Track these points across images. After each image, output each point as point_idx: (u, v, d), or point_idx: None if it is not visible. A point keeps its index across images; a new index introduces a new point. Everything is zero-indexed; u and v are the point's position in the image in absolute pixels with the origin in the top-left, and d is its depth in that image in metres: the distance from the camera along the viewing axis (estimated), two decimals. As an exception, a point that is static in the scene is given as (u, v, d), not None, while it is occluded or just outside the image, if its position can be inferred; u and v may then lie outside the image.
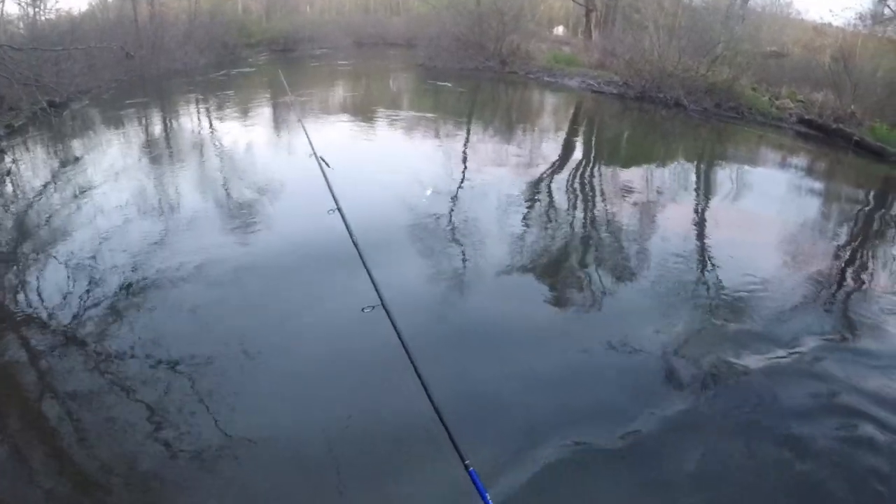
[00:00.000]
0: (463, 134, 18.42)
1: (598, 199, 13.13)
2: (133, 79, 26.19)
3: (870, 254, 11.42)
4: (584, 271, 9.28)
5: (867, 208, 14.39)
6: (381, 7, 53.01)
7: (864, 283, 9.86)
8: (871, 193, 15.94)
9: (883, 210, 14.53)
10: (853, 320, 8.23)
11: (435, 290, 8.17)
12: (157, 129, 19.27)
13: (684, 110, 23.25)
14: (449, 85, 27.40)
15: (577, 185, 13.82)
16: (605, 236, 10.82)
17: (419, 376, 4.04)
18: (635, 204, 12.59)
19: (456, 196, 12.14)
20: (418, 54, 33.96)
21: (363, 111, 21.71)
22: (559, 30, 45.72)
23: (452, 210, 11.24)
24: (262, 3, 47.88)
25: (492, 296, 8.21)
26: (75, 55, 20.80)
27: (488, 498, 3.10)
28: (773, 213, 12.77)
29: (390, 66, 36.94)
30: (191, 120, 20.39)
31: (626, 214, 11.86)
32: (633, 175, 15.13)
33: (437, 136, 18.23)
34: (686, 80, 24.09)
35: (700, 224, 11.85)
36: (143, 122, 19.97)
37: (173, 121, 20.40)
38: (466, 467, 3.26)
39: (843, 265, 10.57)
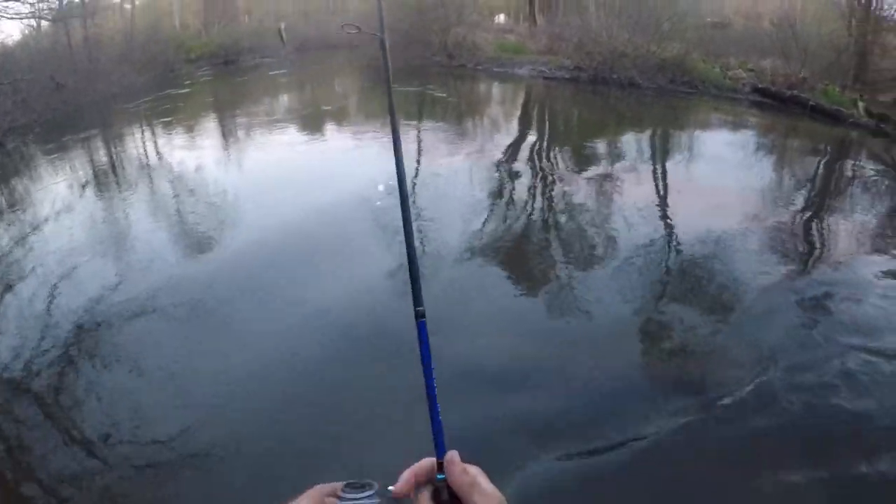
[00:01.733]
0: (414, 131, 17.83)
1: (559, 183, 13.04)
2: (69, 108, 25.14)
3: (829, 215, 11.51)
4: (549, 256, 9.23)
5: (824, 171, 14.53)
6: (319, 9, 52.10)
7: (827, 242, 10.12)
8: (829, 156, 16.07)
9: (838, 172, 14.69)
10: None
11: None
12: (96, 162, 18.38)
13: (639, 89, 22.99)
14: (396, 86, 26.79)
15: (536, 172, 13.60)
16: (566, 220, 10.77)
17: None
18: (597, 186, 12.54)
19: (413, 192, 11.65)
20: (363, 54, 33.17)
21: (311, 119, 21.07)
22: (501, 18, 45.23)
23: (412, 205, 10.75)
24: (200, 17, 46.87)
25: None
26: (4, 90, 19.90)
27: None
28: (734, 182, 12.71)
29: (335, 69, 36.30)
30: (129, 150, 19.50)
31: (587, 197, 11.83)
32: (591, 157, 14.99)
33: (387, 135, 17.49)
34: (637, 58, 23.82)
35: (664, 199, 11.79)
36: (79, 156, 19.08)
37: (112, 153, 19.52)
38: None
39: (804, 224, 10.78)
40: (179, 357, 6.67)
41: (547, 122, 20.54)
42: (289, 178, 13.68)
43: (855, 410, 5.54)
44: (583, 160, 14.83)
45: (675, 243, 9.40)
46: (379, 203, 10.77)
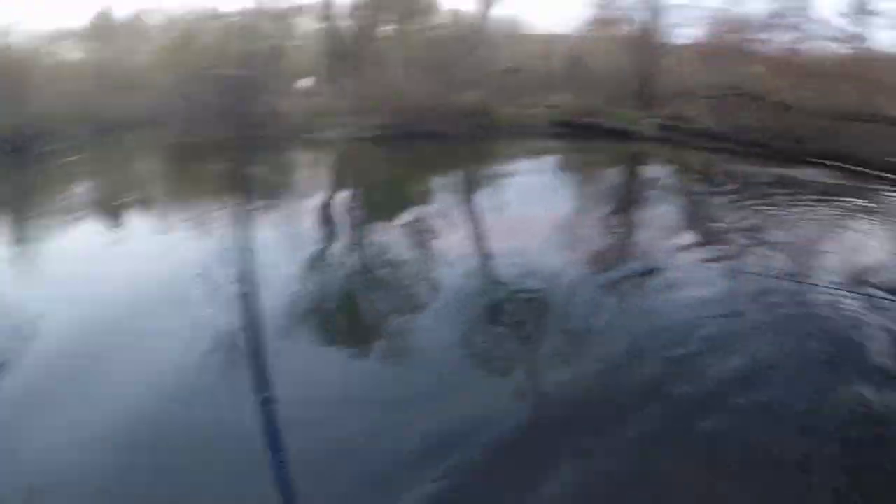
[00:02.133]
0: (221, 212, 17.03)
1: (370, 237, 13.38)
2: None
3: (627, 215, 13.76)
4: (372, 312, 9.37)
5: (622, 182, 16.20)
6: (121, 84, 49.57)
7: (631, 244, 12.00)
8: (623, 168, 17.93)
9: (634, 180, 16.52)
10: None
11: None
12: None
13: (446, 138, 23.49)
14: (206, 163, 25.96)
15: (347, 230, 13.53)
16: (386, 275, 10.78)
17: None
18: (409, 233, 12.59)
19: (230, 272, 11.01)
20: (170, 132, 31.68)
21: (112, 213, 19.17)
22: (307, 82, 44.56)
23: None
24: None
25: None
26: None
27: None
28: (542, 204, 13.60)
29: (139, 150, 34.67)
30: None
31: (400, 246, 11.71)
32: (401, 208, 15.28)
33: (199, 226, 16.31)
34: (440, 110, 24.38)
35: (477, 239, 12.41)
36: None
37: None
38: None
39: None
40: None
41: (356, 181, 20.49)
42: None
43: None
44: (393, 212, 14.98)
45: (490, 273, 10.01)
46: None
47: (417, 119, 24.72)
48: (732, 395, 6.21)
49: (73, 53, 56.38)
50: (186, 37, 41.87)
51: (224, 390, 7.08)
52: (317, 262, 11.75)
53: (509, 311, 8.89)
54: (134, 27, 56.34)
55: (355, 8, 37.32)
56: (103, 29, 55.64)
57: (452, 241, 12.02)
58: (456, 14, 44.52)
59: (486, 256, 11.11)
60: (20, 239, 16.64)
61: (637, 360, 7.07)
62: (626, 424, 5.92)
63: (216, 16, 39.55)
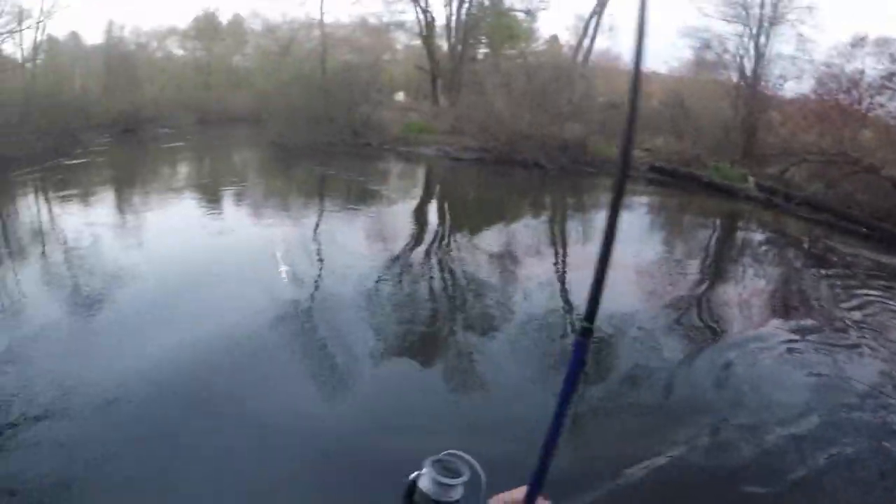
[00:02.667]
0: (316, 212, 17.49)
1: (461, 262, 12.72)
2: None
3: (726, 283, 12.19)
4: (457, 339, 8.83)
5: (720, 243, 15.38)
6: (221, 82, 51.66)
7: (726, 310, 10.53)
8: (723, 229, 16.98)
9: (729, 240, 15.63)
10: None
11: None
12: None
13: (542, 170, 23.50)
14: (304, 164, 26.56)
15: (438, 252, 13.34)
16: (473, 300, 10.42)
17: None
18: (499, 264, 12.30)
19: (319, 277, 11.27)
20: (269, 131, 32.77)
21: (211, 198, 20.14)
22: (400, 96, 45.71)
23: (314, 293, 10.34)
24: (102, 81, 45.61)
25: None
26: None
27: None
28: (635, 256, 12.69)
29: (240, 144, 35.80)
30: (26, 217, 18.41)
31: (490, 275, 11.49)
32: (493, 236, 14.86)
33: (293, 217, 17.05)
34: (540, 140, 24.44)
35: (564, 276, 11.86)
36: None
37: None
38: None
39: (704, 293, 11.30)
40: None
41: (451, 203, 20.42)
42: (184, 264, 12.18)
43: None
44: (484, 239, 14.68)
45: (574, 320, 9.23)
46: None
47: (513, 146, 24.78)
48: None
49: (178, 50, 59.19)
50: (287, 43, 43.14)
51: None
52: (394, 267, 11.83)
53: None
54: (233, 30, 58.63)
55: (453, 28, 37.87)
56: (205, 30, 58.07)
57: (535, 269, 11.89)
58: (554, 41, 44.77)
59: (558, 287, 10.98)
60: (134, 210, 17.72)
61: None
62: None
63: (315, 25, 40.40)
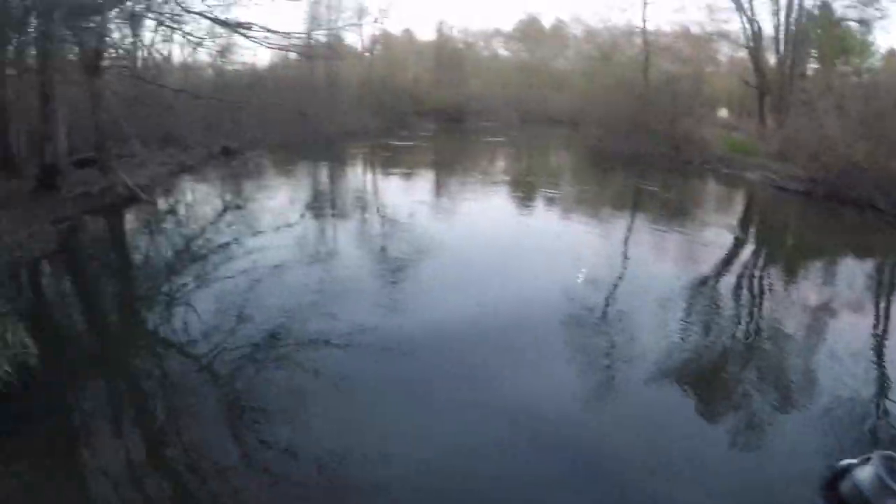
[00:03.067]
0: (626, 225, 16.86)
1: (770, 306, 10.72)
2: (306, 135, 26.73)
3: None
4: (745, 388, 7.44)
5: None
6: (543, 83, 52.82)
7: None
8: None
9: None
10: None
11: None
12: (318, 187, 19.28)
13: (880, 213, 19.76)
14: (621, 173, 26.06)
15: (748, 291, 11.76)
16: (773, 349, 8.87)
17: None
18: (814, 316, 10.37)
19: (612, 288, 10.73)
20: (587, 134, 32.74)
21: (524, 192, 20.67)
22: (723, 112, 43.17)
23: (607, 302, 9.89)
24: (431, 74, 49.02)
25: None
26: (252, 107, 21.26)
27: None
28: None
29: (555, 145, 36.18)
30: (355, 181, 20.21)
31: (800, 327, 9.73)
32: (813, 285, 12.35)
33: (602, 225, 16.48)
34: (879, 176, 21.28)
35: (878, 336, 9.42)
36: (312, 177, 20.09)
37: (333, 182, 20.38)
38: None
39: None
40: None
41: (766, 234, 17.92)
42: (491, 248, 12.99)
43: None
44: (803, 286, 12.48)
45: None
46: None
47: (845, 180, 21.80)
48: None
49: (503, 50, 61.83)
50: (609, 49, 42.79)
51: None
52: (693, 303, 10.28)
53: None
54: (555, 34, 59.76)
55: (781, 39, 34.55)
56: (528, 32, 59.87)
57: (858, 336, 9.60)
58: (892, 56, 39.13)
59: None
60: (450, 193, 18.45)
61: None
62: None
63: (636, 33, 39.41)
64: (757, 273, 13.06)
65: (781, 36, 32.80)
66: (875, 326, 9.89)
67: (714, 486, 5.44)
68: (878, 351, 8.79)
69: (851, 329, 9.56)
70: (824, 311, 10.61)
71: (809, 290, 11.84)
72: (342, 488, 5.12)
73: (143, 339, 7.80)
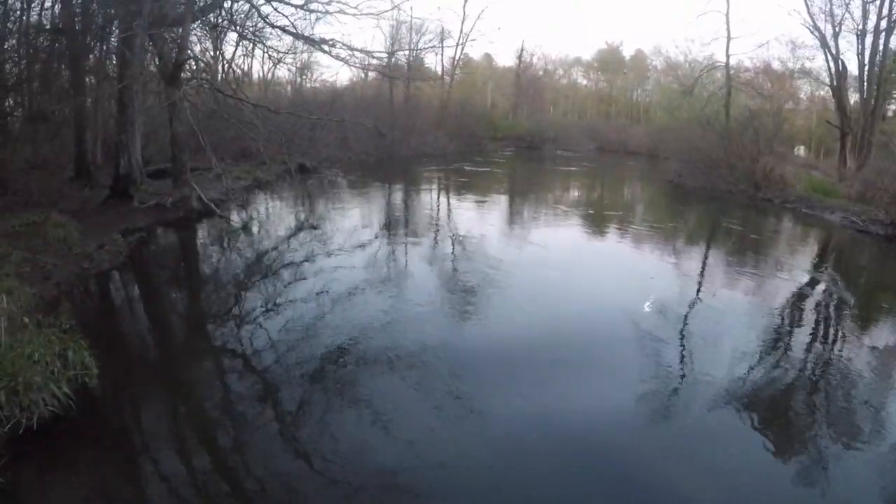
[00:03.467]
0: (699, 262, 16.36)
1: (840, 350, 10.35)
2: (382, 156, 27.02)
3: None
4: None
5: None
6: (621, 114, 52.52)
7: None
8: None
9: None
10: None
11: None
12: (390, 208, 19.47)
13: None
14: (700, 208, 25.48)
15: (818, 336, 11.05)
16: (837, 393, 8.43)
17: None
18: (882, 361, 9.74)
19: (678, 321, 10.46)
20: (666, 169, 32.23)
21: (594, 223, 20.36)
22: (800, 150, 42.02)
23: (666, 332, 9.69)
24: (509, 100, 49.20)
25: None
26: (330, 125, 21.54)
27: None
28: None
29: (635, 177, 35.59)
30: (427, 205, 20.26)
31: (869, 371, 9.10)
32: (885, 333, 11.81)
33: (676, 259, 15.98)
34: None
35: None
36: (384, 198, 20.22)
37: (406, 204, 20.49)
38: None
39: None
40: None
41: (847, 279, 16.95)
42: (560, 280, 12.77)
43: None
44: (880, 331, 11.86)
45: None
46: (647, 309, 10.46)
47: None
48: None
49: (582, 79, 61.80)
50: (691, 83, 42.12)
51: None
52: (762, 353, 9.96)
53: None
54: (635, 64, 59.41)
55: (861, 82, 33.27)
56: (609, 62, 59.65)
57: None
58: None
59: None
60: (521, 221, 18.28)
61: None
62: None
63: (718, 67, 38.73)
64: (834, 313, 12.56)
65: (865, 76, 31.75)
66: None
67: None
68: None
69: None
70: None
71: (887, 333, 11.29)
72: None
73: (208, 357, 7.87)
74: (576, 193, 28.40)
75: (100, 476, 5.42)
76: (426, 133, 32.49)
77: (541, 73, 55.50)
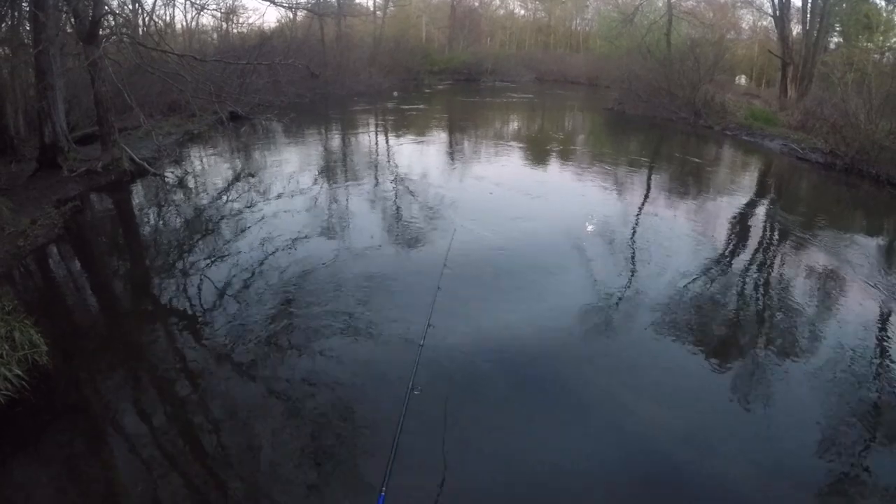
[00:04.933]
0: (642, 188, 16.30)
1: (779, 272, 10.47)
2: (316, 97, 26.26)
3: None
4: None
5: None
6: (560, 44, 51.90)
7: None
8: None
9: None
10: None
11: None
12: (327, 147, 18.92)
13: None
14: (640, 136, 25.44)
15: (761, 256, 11.28)
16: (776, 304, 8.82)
17: None
18: (826, 284, 9.82)
19: (613, 239, 10.99)
20: (606, 97, 32.17)
21: (536, 148, 20.39)
22: (741, 79, 42.31)
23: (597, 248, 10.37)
24: (445, 33, 48.14)
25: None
26: (260, 70, 20.75)
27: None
28: None
29: (575, 107, 35.44)
30: (366, 145, 19.80)
31: (808, 300, 9.18)
32: (830, 256, 11.83)
33: (614, 185, 16.17)
34: None
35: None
36: (321, 141, 19.63)
37: (343, 143, 19.97)
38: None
39: None
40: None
41: (787, 203, 17.08)
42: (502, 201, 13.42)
43: None
44: (809, 253, 12.00)
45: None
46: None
47: (868, 155, 21.05)
48: None
49: (519, 10, 60.76)
50: (632, 11, 41.79)
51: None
52: (695, 268, 9.90)
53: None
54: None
55: (804, 13, 33.66)
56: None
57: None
58: None
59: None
60: (460, 151, 18.00)
61: None
62: None
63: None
64: (771, 240, 12.84)
65: (808, 7, 32.00)
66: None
67: None
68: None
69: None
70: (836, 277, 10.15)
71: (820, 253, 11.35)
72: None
73: (158, 323, 7.58)
74: (515, 125, 28.13)
75: (65, 453, 5.30)
76: (360, 71, 31.52)
77: (476, 3, 54.29)
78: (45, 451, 5.33)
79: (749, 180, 19.74)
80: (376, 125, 24.23)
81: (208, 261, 9.39)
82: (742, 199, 15.63)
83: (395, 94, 32.04)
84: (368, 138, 21.40)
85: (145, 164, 14.25)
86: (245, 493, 4.89)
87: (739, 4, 39.55)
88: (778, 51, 32.75)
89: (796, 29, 33.85)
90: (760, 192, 17.56)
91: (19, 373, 5.85)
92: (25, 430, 5.54)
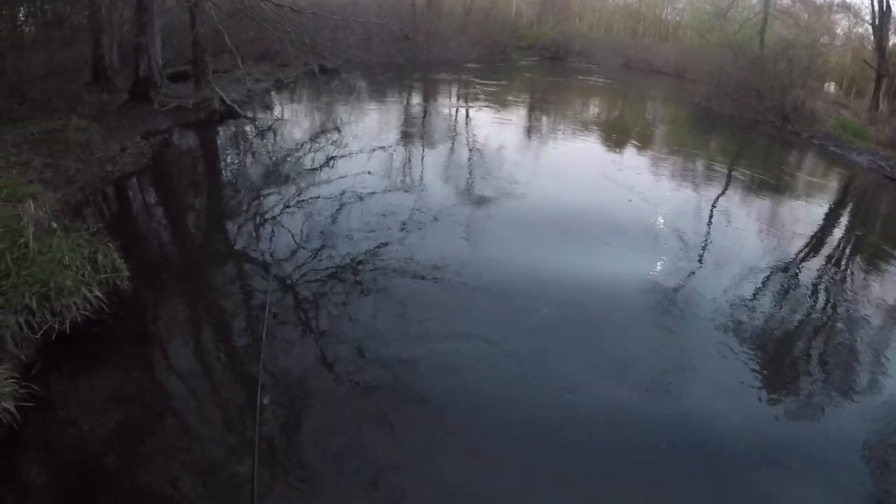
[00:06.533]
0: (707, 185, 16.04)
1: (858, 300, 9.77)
2: (405, 60, 26.51)
3: None
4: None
5: None
6: (649, 31, 50.96)
7: None
8: None
9: None
10: None
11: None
12: (409, 111, 19.23)
13: None
14: (724, 134, 24.93)
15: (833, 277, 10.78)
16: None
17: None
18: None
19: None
20: (693, 91, 31.42)
21: (615, 137, 20.31)
22: (831, 87, 40.58)
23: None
24: (535, 9, 47.74)
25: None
26: (353, 27, 20.96)
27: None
28: None
29: (660, 97, 34.74)
30: (450, 109, 19.94)
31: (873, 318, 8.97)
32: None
33: (680, 179, 16.09)
34: None
35: None
36: (407, 102, 19.83)
37: (424, 106, 20.21)
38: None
39: None
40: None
41: (868, 225, 16.25)
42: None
43: None
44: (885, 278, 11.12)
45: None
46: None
47: None
48: None
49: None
50: (726, 5, 40.72)
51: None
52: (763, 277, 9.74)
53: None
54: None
55: None
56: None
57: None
58: None
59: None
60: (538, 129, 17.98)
61: None
62: None
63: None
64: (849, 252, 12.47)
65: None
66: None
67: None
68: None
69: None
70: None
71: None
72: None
73: (233, 259, 7.94)
74: (599, 110, 27.85)
75: (132, 378, 5.54)
76: (449, 39, 31.66)
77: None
78: (112, 374, 5.60)
79: (832, 193, 19.01)
80: (460, 93, 24.33)
81: (282, 205, 9.73)
82: (820, 211, 15.16)
83: (478, 65, 32.04)
84: (450, 106, 21.51)
85: (235, 107, 14.71)
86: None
87: (836, 9, 38.20)
88: (873, 61, 31.53)
89: (894, 39, 32.58)
90: (841, 205, 17.05)
91: (100, 294, 6.10)
92: (99, 352, 5.80)
